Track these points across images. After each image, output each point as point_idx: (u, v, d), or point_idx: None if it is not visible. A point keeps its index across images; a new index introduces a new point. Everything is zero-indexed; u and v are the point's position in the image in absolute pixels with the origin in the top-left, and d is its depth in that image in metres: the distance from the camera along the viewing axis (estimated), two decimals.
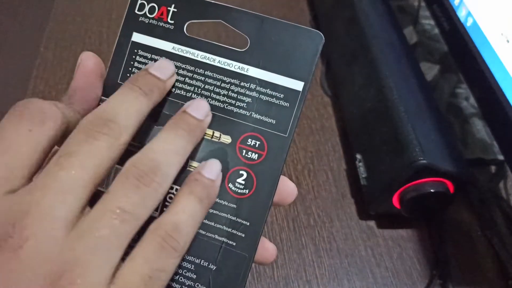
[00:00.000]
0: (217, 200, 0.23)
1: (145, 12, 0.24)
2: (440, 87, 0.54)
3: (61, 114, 0.20)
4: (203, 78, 0.24)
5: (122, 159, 0.20)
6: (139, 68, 0.24)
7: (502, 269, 0.42)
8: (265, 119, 0.23)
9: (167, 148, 0.20)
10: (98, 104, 0.23)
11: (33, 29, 0.59)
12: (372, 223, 0.44)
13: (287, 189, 0.24)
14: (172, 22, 0.24)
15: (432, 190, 0.39)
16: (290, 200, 0.25)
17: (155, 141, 0.20)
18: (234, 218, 0.23)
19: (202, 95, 0.24)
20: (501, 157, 0.48)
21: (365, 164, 0.44)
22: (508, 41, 0.37)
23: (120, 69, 0.24)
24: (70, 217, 0.18)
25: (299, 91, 0.23)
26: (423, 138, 0.39)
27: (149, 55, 0.24)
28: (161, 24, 0.24)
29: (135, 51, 0.24)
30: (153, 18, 0.24)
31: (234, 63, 0.23)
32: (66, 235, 0.17)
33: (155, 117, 0.24)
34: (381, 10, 0.53)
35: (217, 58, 0.24)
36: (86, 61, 0.23)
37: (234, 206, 0.23)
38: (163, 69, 0.23)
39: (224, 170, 0.23)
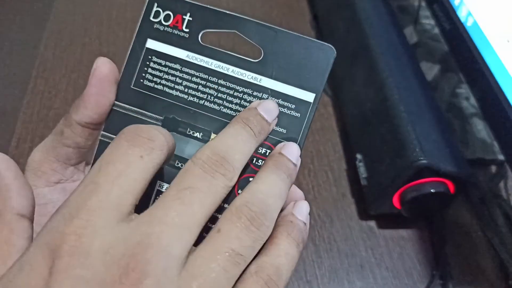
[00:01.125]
0: (225, 205, 0.23)
1: (160, 20, 0.24)
2: (440, 87, 0.54)
3: (167, 143, 0.20)
4: (216, 87, 0.24)
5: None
6: (152, 75, 0.24)
7: (503, 269, 0.42)
8: (276, 128, 0.24)
9: (274, 191, 0.21)
10: (111, 110, 0.24)
11: (33, 29, 0.59)
12: (372, 223, 0.44)
13: (295, 196, 0.24)
14: (187, 30, 0.24)
15: (432, 190, 0.39)
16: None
17: (261, 182, 0.21)
18: None
19: (215, 103, 0.24)
20: (501, 157, 0.48)
21: (366, 164, 0.44)
22: (508, 41, 0.37)
23: (133, 75, 0.24)
24: (183, 255, 0.17)
25: (310, 102, 0.24)
26: (423, 138, 0.39)
27: (163, 62, 0.24)
28: (176, 32, 0.24)
29: (149, 57, 0.24)
30: (168, 26, 0.24)
31: (248, 72, 0.24)
32: (179, 274, 0.17)
33: (170, 123, 0.24)
34: (382, 10, 0.53)
35: (231, 68, 0.24)
36: (102, 67, 0.23)
37: None
38: (271, 111, 0.23)
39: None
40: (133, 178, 0.18)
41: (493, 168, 0.48)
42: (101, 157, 0.19)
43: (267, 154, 0.23)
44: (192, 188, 0.18)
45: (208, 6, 0.24)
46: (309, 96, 0.24)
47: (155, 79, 0.24)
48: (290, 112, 0.24)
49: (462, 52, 0.44)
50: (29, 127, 0.47)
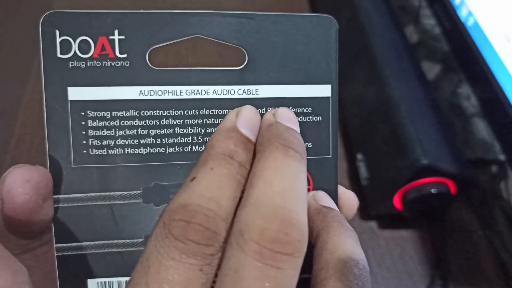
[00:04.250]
0: None
1: (75, 53, 0.17)
2: (441, 87, 0.54)
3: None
4: (200, 121, 0.17)
5: None
6: (99, 138, 0.17)
7: (503, 270, 0.41)
8: None
9: (289, 182, 0.15)
10: (56, 208, 0.17)
11: (32, 29, 0.59)
12: (373, 224, 0.44)
13: (350, 201, 0.20)
14: (125, 56, 0.17)
15: (433, 191, 0.39)
16: (353, 213, 0.21)
17: (266, 173, 0.15)
18: None
19: (205, 143, 0.17)
20: (502, 157, 0.48)
21: (366, 164, 0.43)
22: (509, 41, 0.37)
23: (69, 149, 0.17)
24: None
25: (328, 97, 0.18)
26: (424, 138, 0.39)
27: (107, 114, 0.17)
28: (108, 63, 0.17)
29: (82, 114, 0.17)
30: (91, 58, 0.17)
31: (236, 87, 0.18)
32: None
33: (153, 193, 0.17)
34: (382, 9, 0.53)
35: (211, 88, 0.17)
36: (12, 199, 0.15)
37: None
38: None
39: None
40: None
41: (494, 168, 0.48)
42: (140, 273, 0.13)
43: None
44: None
45: (142, 11, 0.17)
46: (324, 90, 0.18)
47: (105, 142, 0.17)
48: (309, 118, 0.18)
49: (463, 52, 0.43)
50: (29, 127, 0.47)
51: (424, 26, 0.59)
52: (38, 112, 0.48)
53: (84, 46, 0.16)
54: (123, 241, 0.17)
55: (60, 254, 0.17)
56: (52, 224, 0.17)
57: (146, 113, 0.17)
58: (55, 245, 0.17)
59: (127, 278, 0.17)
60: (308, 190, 0.19)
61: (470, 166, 0.41)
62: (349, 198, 0.20)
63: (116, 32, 0.17)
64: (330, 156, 0.19)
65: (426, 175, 0.38)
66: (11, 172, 0.15)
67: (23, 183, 0.15)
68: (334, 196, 0.19)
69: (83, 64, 0.17)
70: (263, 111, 0.18)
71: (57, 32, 0.17)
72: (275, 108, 0.18)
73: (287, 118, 0.17)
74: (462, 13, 0.44)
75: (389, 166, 0.40)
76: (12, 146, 0.45)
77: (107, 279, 0.18)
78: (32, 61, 0.53)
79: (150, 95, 0.17)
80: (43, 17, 0.17)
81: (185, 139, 0.17)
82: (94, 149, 0.17)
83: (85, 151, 0.17)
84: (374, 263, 0.41)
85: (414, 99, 0.44)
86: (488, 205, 0.44)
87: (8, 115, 0.49)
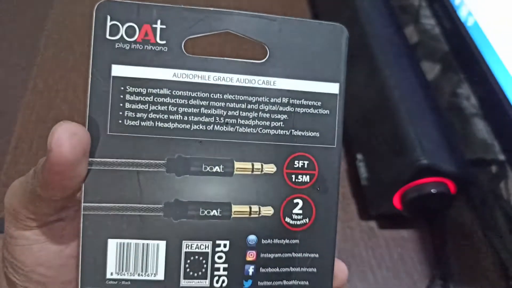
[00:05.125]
0: (276, 241, 0.20)
1: (122, 36, 0.19)
2: (441, 87, 0.54)
3: None
4: (223, 104, 0.20)
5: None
6: (134, 110, 0.19)
7: (503, 270, 0.41)
8: (307, 134, 0.21)
9: None
10: (88, 171, 0.19)
11: (33, 29, 0.59)
12: (373, 224, 0.44)
13: (339, 273, 0.21)
14: (164, 42, 0.19)
15: (433, 191, 0.39)
16: (341, 284, 0.22)
17: None
18: (300, 255, 0.21)
19: (227, 124, 0.20)
20: (502, 157, 0.48)
21: (366, 164, 0.43)
22: (509, 41, 0.37)
23: (106, 118, 0.19)
24: None
25: (336, 94, 0.21)
26: (424, 138, 0.39)
27: (143, 90, 0.19)
28: (149, 47, 0.19)
29: (122, 89, 0.19)
30: (135, 42, 0.19)
31: (257, 77, 0.20)
32: None
33: (177, 165, 0.19)
34: (382, 10, 0.53)
35: (235, 76, 0.20)
36: (60, 148, 0.17)
37: (297, 241, 0.21)
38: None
39: (277, 205, 0.20)
40: None
41: (494, 168, 0.48)
42: None
43: (305, 166, 0.20)
44: None
45: (182, 6, 0.19)
46: (333, 88, 0.21)
47: (139, 115, 0.19)
48: (318, 111, 0.21)
49: (462, 52, 0.43)
50: (29, 127, 0.47)
51: (424, 26, 0.59)
52: (38, 112, 0.48)
53: (130, 31, 0.19)
54: (144, 205, 0.19)
55: (86, 213, 0.19)
56: (83, 185, 0.19)
57: (177, 92, 0.19)
58: (83, 204, 0.19)
59: (145, 241, 0.19)
60: (313, 174, 0.21)
61: (470, 166, 0.41)
62: (338, 270, 0.21)
63: (159, 21, 0.19)
64: (335, 146, 0.21)
65: (426, 175, 0.38)
66: (60, 125, 0.17)
67: (71, 136, 0.17)
68: (335, 185, 0.21)
69: (127, 46, 0.19)
70: (278, 100, 0.20)
71: (108, 17, 0.19)
72: (290, 97, 0.20)
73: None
74: (462, 13, 0.44)
75: (389, 166, 0.40)
76: (12, 146, 0.45)
77: (126, 240, 0.19)
78: (33, 61, 0.53)
79: (182, 77, 0.19)
80: (97, 4, 0.19)
81: (209, 118, 0.19)
82: (128, 120, 0.19)
83: (120, 121, 0.19)
84: (374, 263, 0.41)
85: (414, 99, 0.44)
86: (488, 205, 0.44)
87: (8, 115, 0.49)
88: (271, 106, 0.20)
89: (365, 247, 0.42)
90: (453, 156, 0.40)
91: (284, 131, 0.20)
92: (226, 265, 0.20)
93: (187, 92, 0.19)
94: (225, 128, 0.20)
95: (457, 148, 0.42)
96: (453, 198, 0.40)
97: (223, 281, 0.20)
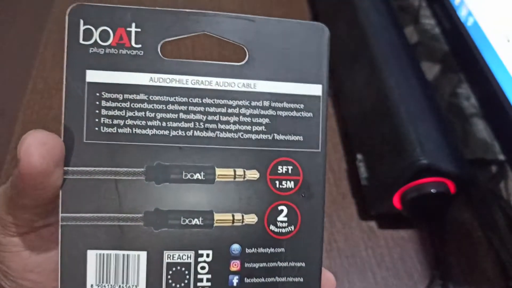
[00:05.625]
0: (261, 249, 0.20)
1: (96, 40, 0.18)
2: (441, 87, 0.54)
3: None
4: (202, 109, 0.19)
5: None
6: (110, 117, 0.18)
7: (503, 270, 0.41)
8: (290, 138, 0.20)
9: None
10: (64, 180, 0.18)
11: (32, 29, 0.59)
12: (372, 224, 0.44)
13: (326, 282, 0.21)
14: (139, 46, 0.18)
15: (432, 191, 0.39)
16: None
17: None
18: (285, 264, 0.20)
19: (207, 129, 0.19)
20: (501, 157, 0.48)
21: (366, 164, 0.43)
22: (508, 41, 0.37)
23: (82, 125, 0.18)
24: None
25: (319, 96, 0.20)
26: (424, 138, 0.39)
27: (120, 96, 0.18)
28: (124, 51, 0.18)
29: (97, 94, 0.18)
30: (110, 46, 0.18)
31: (236, 80, 0.19)
32: None
33: (156, 172, 0.19)
34: (382, 10, 0.53)
35: (214, 80, 0.19)
36: (28, 158, 0.16)
37: (282, 250, 0.20)
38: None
39: (261, 212, 0.20)
40: None
41: (493, 168, 0.48)
42: None
43: (289, 172, 0.20)
44: None
45: (157, 8, 0.19)
46: (315, 89, 0.20)
47: (116, 121, 0.18)
48: (301, 114, 0.20)
49: (462, 52, 0.43)
50: (29, 127, 0.46)
51: (423, 26, 0.59)
52: (38, 112, 0.48)
53: (104, 35, 0.18)
54: (124, 215, 0.19)
55: (64, 223, 0.18)
56: (60, 195, 0.18)
57: (154, 98, 0.19)
58: (60, 215, 0.18)
59: (125, 252, 0.19)
60: (298, 180, 0.20)
61: (470, 166, 0.41)
62: (326, 279, 0.21)
63: (133, 25, 0.18)
64: (319, 150, 0.20)
65: (425, 175, 0.38)
66: (30, 134, 0.17)
67: (40, 145, 0.17)
68: (321, 191, 0.20)
69: (102, 50, 0.18)
70: (259, 103, 0.20)
71: (81, 21, 0.18)
72: (271, 100, 0.19)
73: None
74: (462, 13, 0.44)
75: (389, 166, 0.40)
76: (12, 146, 0.45)
77: (105, 251, 0.19)
78: (32, 61, 0.53)
79: (159, 82, 0.19)
80: (70, 7, 0.19)
81: (188, 124, 0.19)
82: (105, 127, 0.18)
83: (96, 128, 0.18)
84: (374, 263, 0.41)
85: (414, 99, 0.44)
86: (488, 205, 0.44)
87: (8, 115, 0.49)
88: (252, 110, 0.20)
89: (365, 247, 0.42)
90: (453, 156, 0.40)
91: (267, 136, 0.20)
92: (209, 276, 0.20)
93: (164, 97, 0.19)
94: (205, 134, 0.19)
95: (457, 148, 0.42)
96: (453, 198, 0.40)
97: None
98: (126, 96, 0.18)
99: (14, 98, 0.50)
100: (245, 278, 0.20)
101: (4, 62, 0.56)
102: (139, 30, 0.18)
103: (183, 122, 0.19)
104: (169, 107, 0.19)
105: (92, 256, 0.19)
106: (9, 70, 0.55)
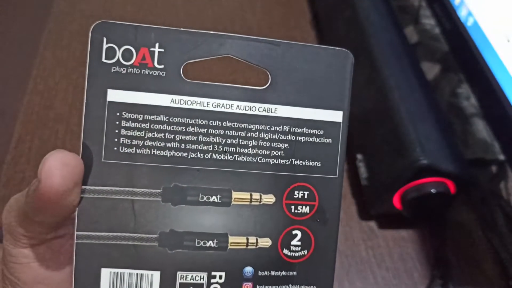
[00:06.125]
0: (273, 272, 0.20)
1: (119, 59, 0.18)
2: (440, 87, 0.53)
3: None
4: (222, 132, 0.19)
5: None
6: (129, 137, 0.18)
7: (503, 270, 0.41)
8: (308, 163, 0.20)
9: None
10: (81, 199, 0.18)
11: (33, 29, 0.59)
12: (372, 224, 0.44)
13: None
14: (162, 66, 0.18)
15: (432, 191, 0.39)
16: None
17: None
18: (297, 287, 0.20)
19: (225, 152, 0.19)
20: (502, 157, 0.48)
21: (366, 164, 0.43)
22: (508, 41, 0.37)
23: (101, 145, 0.18)
24: None
25: (339, 123, 0.20)
26: (424, 138, 0.39)
27: (140, 117, 0.18)
28: (146, 71, 0.18)
29: (117, 114, 0.18)
30: (132, 66, 0.18)
31: (257, 105, 0.19)
32: None
33: (173, 194, 0.19)
34: (382, 10, 0.53)
35: (235, 103, 0.19)
36: (50, 179, 0.17)
37: (295, 273, 0.20)
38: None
39: (275, 236, 0.20)
40: None
41: (494, 168, 0.48)
42: None
43: (305, 197, 0.20)
44: None
45: (182, 29, 0.18)
46: (336, 116, 0.20)
47: (135, 142, 0.18)
48: (320, 140, 0.20)
49: (462, 52, 0.43)
50: (29, 127, 0.47)
51: (423, 26, 0.59)
52: (38, 112, 0.48)
53: (127, 54, 0.18)
54: (139, 235, 0.19)
55: (79, 241, 0.18)
56: (76, 213, 0.18)
57: (175, 119, 0.19)
58: (76, 233, 0.18)
59: (139, 271, 0.19)
60: (313, 205, 0.20)
61: (470, 166, 0.41)
62: None
63: (157, 45, 0.18)
64: (336, 177, 0.20)
65: (425, 175, 0.38)
66: (52, 154, 0.17)
67: (62, 166, 0.17)
68: (335, 217, 0.20)
69: (124, 70, 0.18)
70: (279, 128, 0.19)
71: (105, 39, 0.18)
72: (291, 125, 0.19)
73: None
74: (462, 13, 0.44)
75: (389, 166, 0.40)
76: (12, 146, 0.45)
77: (119, 270, 0.19)
78: (32, 61, 0.53)
79: (180, 103, 0.19)
80: (93, 25, 0.18)
81: (207, 146, 0.19)
82: (124, 147, 0.18)
83: (115, 148, 0.18)
84: (374, 263, 0.41)
85: (414, 99, 0.44)
86: (488, 205, 0.44)
87: (8, 115, 0.49)
88: (271, 135, 0.19)
89: (365, 247, 0.42)
90: (453, 156, 0.40)
91: (285, 161, 0.20)
92: None
93: (185, 119, 0.19)
94: (224, 157, 0.19)
95: (457, 148, 0.42)
96: (453, 198, 0.40)
97: None
98: (146, 116, 0.18)
99: (14, 98, 0.50)
100: None
101: (4, 62, 0.56)
102: (162, 50, 0.18)
103: (202, 144, 0.19)
104: (189, 129, 0.19)
105: (106, 274, 0.19)
106: (9, 70, 0.55)
